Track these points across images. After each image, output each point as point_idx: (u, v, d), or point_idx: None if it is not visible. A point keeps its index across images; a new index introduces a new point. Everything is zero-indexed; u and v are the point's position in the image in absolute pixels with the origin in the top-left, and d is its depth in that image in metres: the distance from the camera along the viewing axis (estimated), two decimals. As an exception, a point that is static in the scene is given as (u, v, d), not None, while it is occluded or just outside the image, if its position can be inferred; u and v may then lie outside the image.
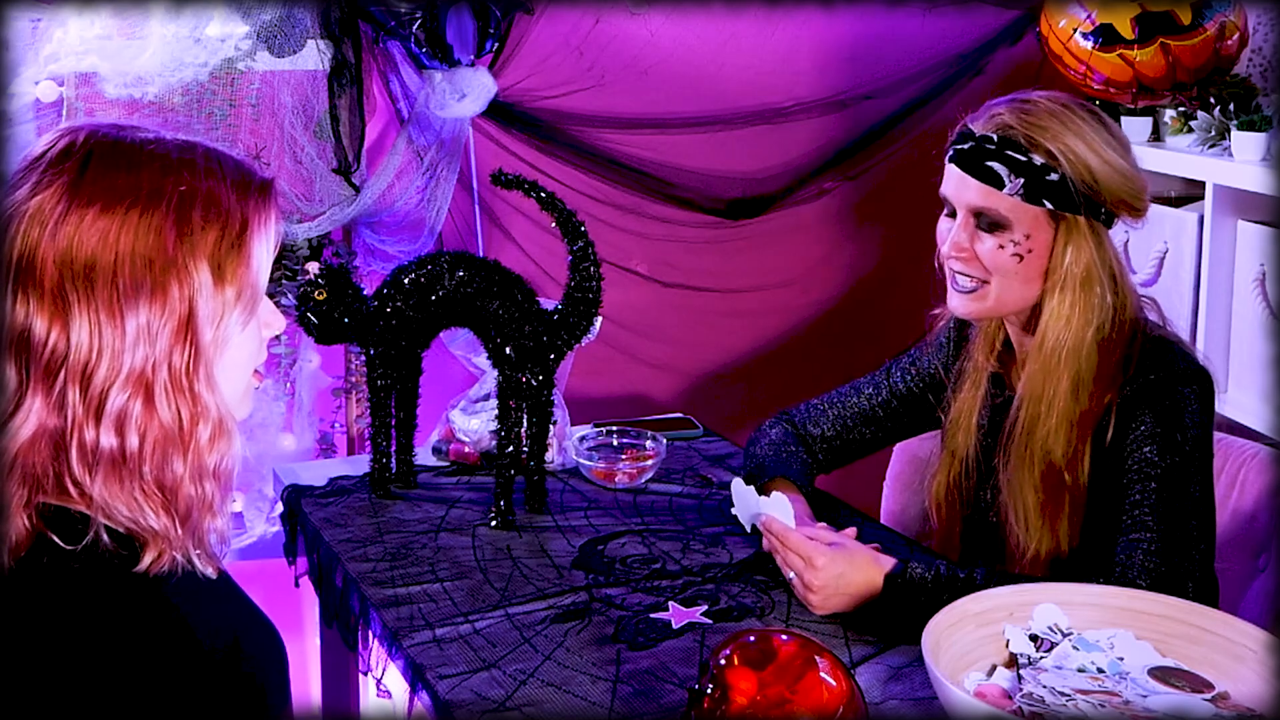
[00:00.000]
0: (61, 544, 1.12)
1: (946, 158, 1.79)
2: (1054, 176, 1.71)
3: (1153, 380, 1.72)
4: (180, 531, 1.16)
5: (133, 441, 1.13)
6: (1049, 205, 1.72)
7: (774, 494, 1.83)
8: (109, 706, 1.10)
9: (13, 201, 1.13)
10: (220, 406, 1.19)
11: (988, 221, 1.74)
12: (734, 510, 1.89)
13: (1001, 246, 1.74)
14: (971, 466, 1.90)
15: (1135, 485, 1.70)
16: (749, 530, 1.88)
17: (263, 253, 1.21)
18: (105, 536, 1.14)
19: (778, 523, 1.78)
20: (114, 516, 1.14)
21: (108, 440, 1.12)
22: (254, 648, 1.25)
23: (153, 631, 1.14)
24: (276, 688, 1.28)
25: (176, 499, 1.16)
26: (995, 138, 1.74)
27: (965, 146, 1.76)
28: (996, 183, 1.72)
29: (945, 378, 1.97)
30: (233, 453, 1.21)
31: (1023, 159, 1.72)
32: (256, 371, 1.28)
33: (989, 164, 1.73)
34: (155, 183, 1.15)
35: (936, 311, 1.99)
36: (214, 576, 1.27)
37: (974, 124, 1.78)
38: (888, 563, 1.71)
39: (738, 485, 1.87)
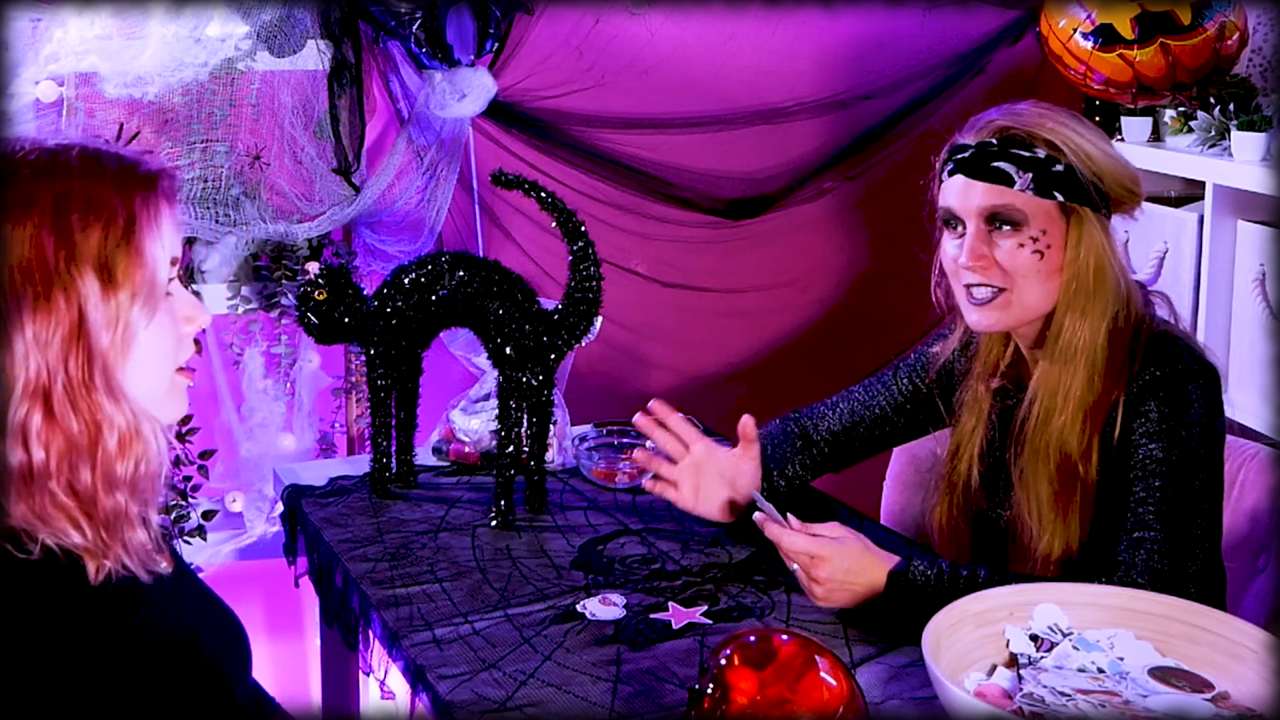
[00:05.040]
0: (15, 552, 1.11)
1: (945, 173, 1.78)
2: (1060, 168, 1.71)
3: (1158, 376, 1.72)
4: (108, 540, 1.14)
5: (38, 454, 1.11)
6: (1060, 197, 1.72)
7: (753, 493, 1.82)
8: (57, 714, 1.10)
9: None
10: (129, 413, 1.16)
11: (1002, 222, 1.73)
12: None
13: (1021, 245, 1.72)
14: (975, 489, 1.90)
15: (1139, 483, 1.70)
16: None
17: (156, 247, 1.18)
18: (54, 547, 1.13)
19: (772, 526, 1.76)
20: (36, 532, 1.12)
21: (17, 456, 1.11)
22: (214, 641, 1.24)
23: (99, 640, 1.13)
24: (238, 675, 1.28)
25: (95, 508, 1.13)
26: (995, 140, 1.74)
27: (966, 155, 1.75)
28: (1007, 181, 1.72)
29: (955, 384, 1.96)
30: (149, 458, 1.17)
31: (1027, 154, 1.72)
32: (186, 369, 1.24)
33: (995, 164, 1.72)
34: (26, 190, 1.12)
35: (934, 350, 1.98)
36: (148, 581, 1.25)
37: (965, 137, 1.77)
38: (891, 560, 1.71)
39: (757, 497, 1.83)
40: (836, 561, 1.70)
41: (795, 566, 1.74)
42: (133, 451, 1.16)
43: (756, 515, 1.78)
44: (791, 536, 1.73)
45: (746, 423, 1.97)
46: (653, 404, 1.99)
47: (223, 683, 1.23)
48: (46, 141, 1.17)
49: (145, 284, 1.16)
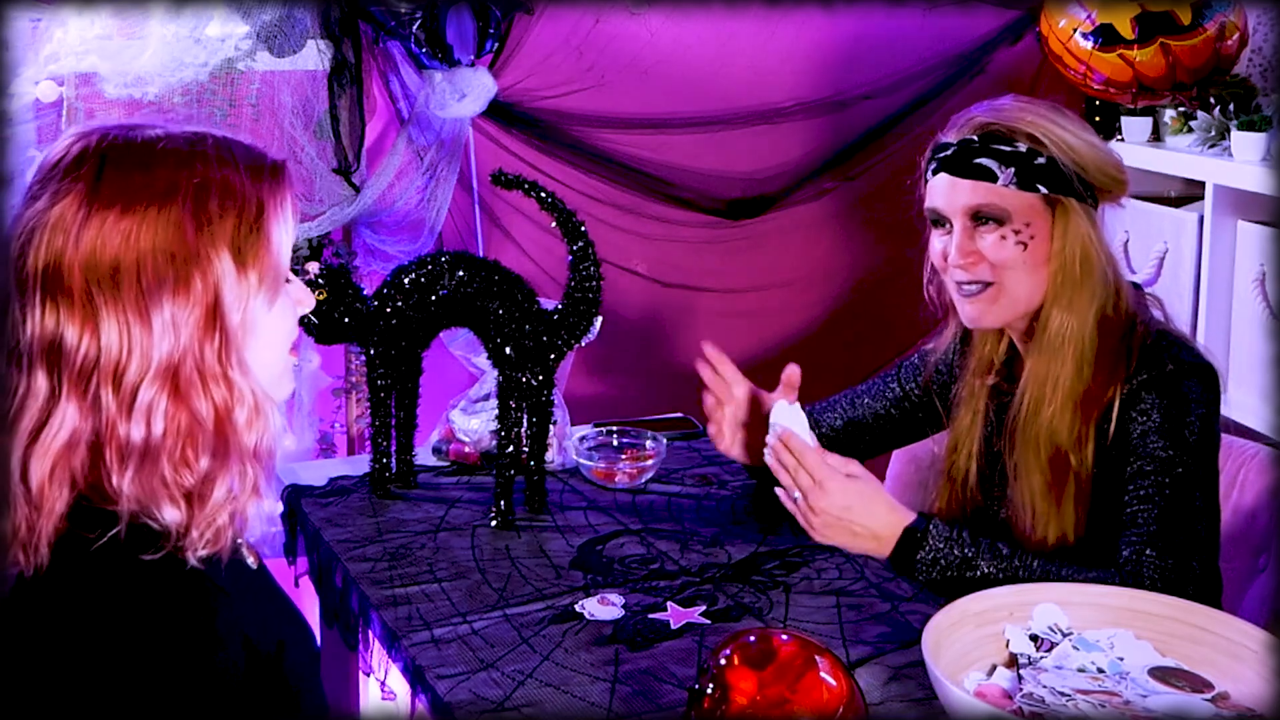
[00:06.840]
0: (93, 540, 1.13)
1: (929, 172, 1.80)
2: (1041, 160, 1.72)
3: (1156, 376, 1.72)
4: (206, 521, 1.16)
5: (157, 433, 1.14)
6: (1043, 189, 1.73)
7: (782, 404, 1.76)
8: (148, 702, 1.10)
9: (34, 212, 1.14)
10: (255, 389, 1.20)
11: (986, 218, 1.74)
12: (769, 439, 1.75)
13: (1004, 238, 1.74)
14: (974, 485, 1.90)
15: (1140, 482, 1.70)
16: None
17: (281, 234, 1.23)
18: (152, 528, 1.14)
19: (797, 439, 1.72)
20: (146, 509, 1.14)
21: (139, 433, 1.13)
22: (295, 648, 1.25)
23: (195, 625, 1.14)
24: (311, 686, 1.29)
25: (211, 486, 1.16)
26: (976, 137, 1.75)
27: (949, 153, 1.76)
28: (989, 177, 1.73)
29: (951, 382, 1.97)
30: (271, 433, 1.22)
31: (1008, 149, 1.73)
32: (294, 349, 1.29)
33: (977, 161, 1.74)
34: (170, 178, 1.16)
35: (929, 346, 1.99)
36: (253, 565, 1.28)
37: (947, 136, 1.79)
38: (906, 514, 1.69)
39: (780, 408, 1.76)
40: (837, 496, 1.68)
41: (797, 494, 1.71)
42: (257, 426, 1.19)
43: (770, 438, 1.73)
44: (809, 452, 1.70)
45: (792, 371, 1.90)
46: (707, 349, 2.00)
47: (292, 691, 1.24)
48: (174, 129, 1.21)
49: (271, 269, 1.21)
